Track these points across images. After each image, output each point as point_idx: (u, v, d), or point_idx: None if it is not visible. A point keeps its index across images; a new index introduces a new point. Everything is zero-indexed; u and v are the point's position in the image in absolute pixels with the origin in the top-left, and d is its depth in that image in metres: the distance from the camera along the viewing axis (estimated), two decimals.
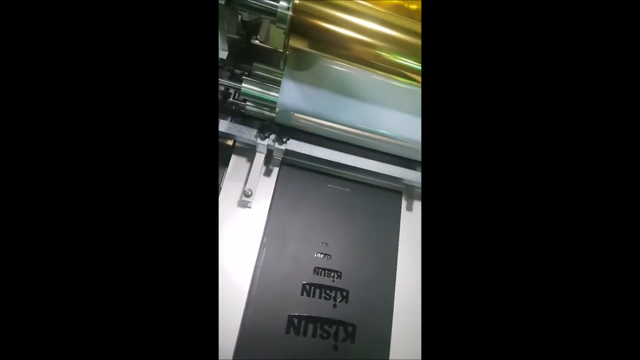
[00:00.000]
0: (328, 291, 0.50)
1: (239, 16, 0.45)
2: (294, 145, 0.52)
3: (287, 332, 0.47)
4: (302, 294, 0.49)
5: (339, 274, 0.51)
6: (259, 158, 0.53)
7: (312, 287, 0.50)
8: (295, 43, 0.42)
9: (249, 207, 0.53)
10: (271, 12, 0.39)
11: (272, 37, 0.55)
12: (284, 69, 0.46)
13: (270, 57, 0.52)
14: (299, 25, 0.39)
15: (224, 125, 0.50)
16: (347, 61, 0.43)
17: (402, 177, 0.54)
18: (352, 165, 0.53)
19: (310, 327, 0.48)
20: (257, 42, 0.51)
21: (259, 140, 0.50)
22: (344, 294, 0.51)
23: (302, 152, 0.52)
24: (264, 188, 0.54)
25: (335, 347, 0.48)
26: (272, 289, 0.49)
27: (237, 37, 0.47)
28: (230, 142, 0.56)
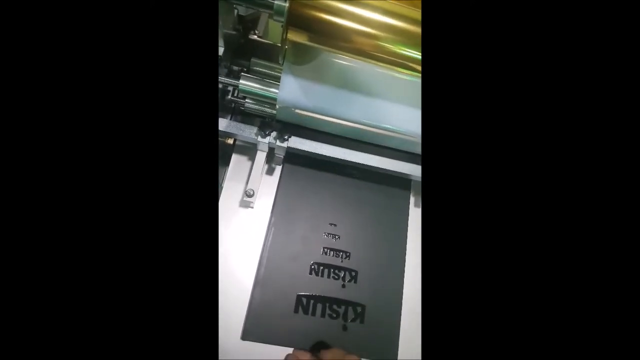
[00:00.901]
0: (337, 271, 0.50)
1: (235, 10, 0.43)
2: (296, 142, 0.50)
3: (296, 311, 0.47)
4: (310, 274, 0.49)
5: (348, 254, 0.51)
6: (261, 156, 0.51)
7: (321, 267, 0.49)
8: (294, 36, 0.40)
9: (252, 207, 0.51)
10: (268, 5, 0.38)
11: (271, 31, 0.53)
12: (283, 63, 0.44)
13: (269, 52, 0.51)
14: (297, 17, 0.38)
15: (223, 124, 0.49)
16: (349, 54, 0.42)
17: (409, 173, 0.52)
18: (358, 162, 0.51)
19: (319, 307, 0.47)
20: (255, 37, 0.49)
21: (259, 139, 0.49)
22: (353, 274, 0.50)
23: (305, 149, 0.50)
24: (267, 186, 0.53)
25: (345, 328, 0.47)
26: (280, 268, 0.48)
27: (233, 32, 0.45)
28: (230, 141, 0.54)
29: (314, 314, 0.47)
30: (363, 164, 0.51)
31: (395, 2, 0.40)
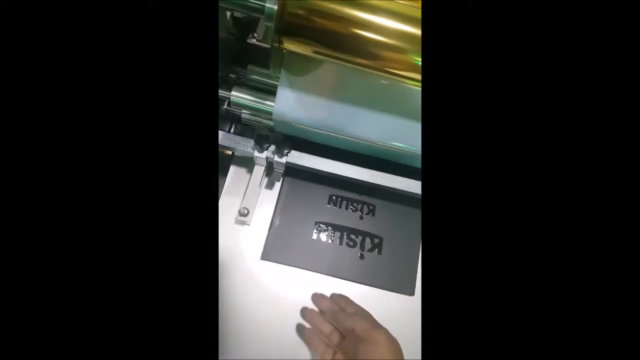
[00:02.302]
0: (355, 204, 0.49)
1: (229, 13, 0.38)
2: (296, 157, 0.45)
3: (314, 237, 0.47)
4: (328, 204, 0.49)
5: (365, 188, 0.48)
6: (258, 171, 0.46)
7: (339, 199, 0.49)
8: (290, 45, 0.34)
9: (248, 225, 0.47)
10: (257, 8, 0.32)
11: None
12: (273, 72, 0.39)
13: (269, 58, 0.45)
14: (288, 23, 0.32)
15: (219, 136, 0.44)
16: (352, 65, 0.35)
17: (420, 193, 0.46)
18: (364, 179, 0.45)
19: (337, 234, 0.47)
20: (254, 41, 0.43)
21: (256, 153, 0.44)
22: (371, 207, 0.49)
23: (306, 165, 0.45)
24: (266, 200, 0.49)
25: (362, 257, 0.47)
26: (299, 196, 0.48)
27: (228, 36, 0.40)
28: (229, 152, 0.50)
29: (331, 240, 0.47)
30: (370, 182, 0.45)
31: (405, 3, 0.33)
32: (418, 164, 0.46)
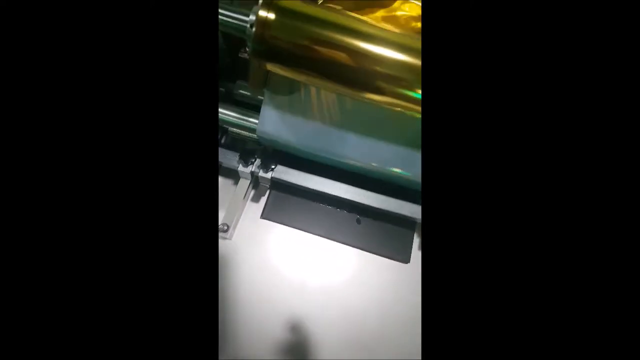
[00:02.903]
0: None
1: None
2: (282, 172, 0.44)
3: (312, 200, 0.48)
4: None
5: None
6: (242, 185, 0.46)
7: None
8: (273, 68, 0.34)
9: (229, 239, 0.46)
10: (240, 29, 0.32)
11: None
12: (262, 92, 0.38)
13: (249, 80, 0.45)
14: (273, 47, 0.31)
15: None
16: (336, 90, 0.35)
17: (410, 215, 0.44)
18: (352, 199, 0.44)
19: (335, 199, 0.47)
20: (245, 55, 0.43)
21: (241, 167, 0.44)
22: None
23: (292, 181, 0.44)
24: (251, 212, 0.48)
25: (358, 221, 0.48)
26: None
27: None
28: None
29: (330, 204, 0.48)
30: (359, 203, 0.44)
31: (389, 29, 0.32)
32: (405, 184, 0.45)
